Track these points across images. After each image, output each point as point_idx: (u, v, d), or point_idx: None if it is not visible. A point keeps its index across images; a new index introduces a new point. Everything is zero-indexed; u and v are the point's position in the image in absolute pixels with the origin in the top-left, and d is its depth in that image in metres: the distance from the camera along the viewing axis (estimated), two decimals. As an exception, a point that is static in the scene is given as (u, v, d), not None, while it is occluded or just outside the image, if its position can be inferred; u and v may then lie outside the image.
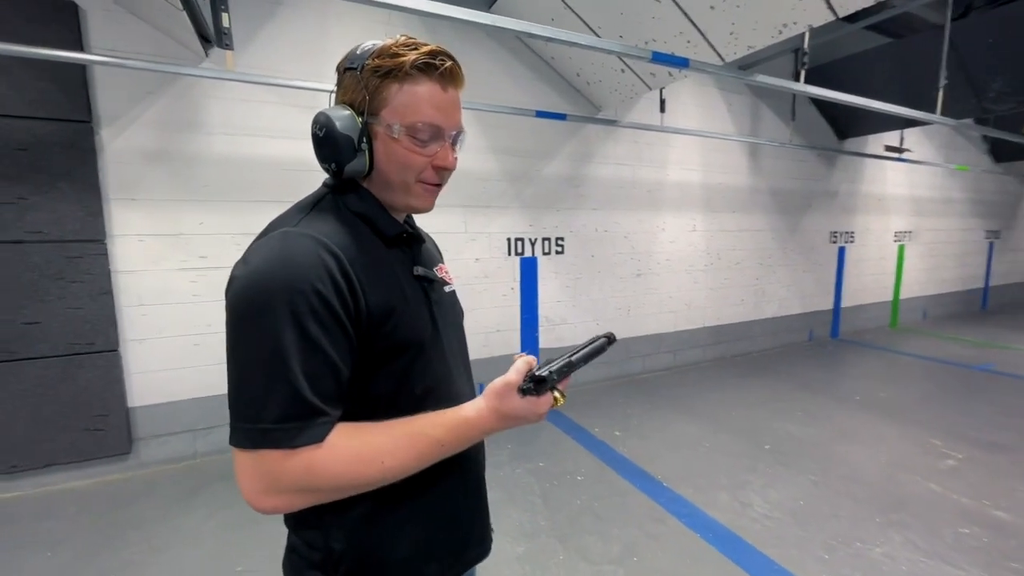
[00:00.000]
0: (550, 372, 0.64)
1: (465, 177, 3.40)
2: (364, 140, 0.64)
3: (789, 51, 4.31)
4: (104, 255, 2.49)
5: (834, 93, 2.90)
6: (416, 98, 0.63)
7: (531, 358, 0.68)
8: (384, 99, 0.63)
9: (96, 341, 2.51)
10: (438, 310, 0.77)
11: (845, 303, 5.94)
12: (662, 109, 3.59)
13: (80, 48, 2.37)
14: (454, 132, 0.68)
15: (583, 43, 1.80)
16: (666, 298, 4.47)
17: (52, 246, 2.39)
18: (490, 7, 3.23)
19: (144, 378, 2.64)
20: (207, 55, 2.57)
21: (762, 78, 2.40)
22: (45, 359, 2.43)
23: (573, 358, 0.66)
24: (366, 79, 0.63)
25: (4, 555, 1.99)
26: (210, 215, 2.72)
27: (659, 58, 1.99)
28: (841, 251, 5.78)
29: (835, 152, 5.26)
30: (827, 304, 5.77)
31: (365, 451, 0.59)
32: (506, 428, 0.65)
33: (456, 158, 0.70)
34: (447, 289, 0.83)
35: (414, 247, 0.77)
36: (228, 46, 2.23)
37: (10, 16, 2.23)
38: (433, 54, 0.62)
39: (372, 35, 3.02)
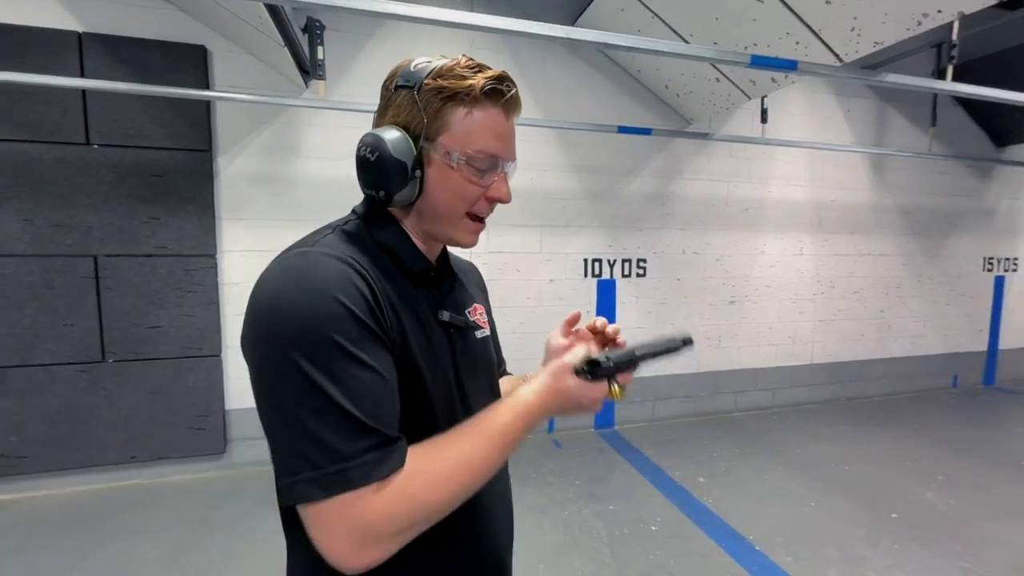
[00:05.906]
0: (607, 358, 0.60)
1: (542, 196, 3.32)
2: (418, 167, 0.59)
3: (928, 46, 3.68)
4: (214, 268, 2.77)
5: (999, 92, 2.36)
6: (480, 125, 0.58)
7: (591, 336, 0.69)
8: (445, 123, 0.57)
9: (203, 346, 2.78)
10: (463, 361, 0.67)
11: (1005, 343, 4.86)
12: (763, 119, 3.22)
13: (207, 86, 2.69)
14: (509, 163, 0.62)
15: (669, 51, 1.63)
16: (765, 329, 3.97)
17: (174, 260, 2.71)
18: (574, 22, 3.15)
19: (241, 382, 2.87)
20: (307, 86, 2.79)
21: (894, 78, 2.01)
22: (163, 360, 2.73)
23: (638, 352, 0.62)
24: (425, 100, 0.57)
25: (122, 540, 2.23)
26: (304, 232, 2.90)
27: (760, 62, 1.74)
28: (999, 280, 4.76)
29: (993, 163, 4.37)
30: (979, 344, 4.77)
31: (449, 462, 0.53)
32: (564, 410, 0.60)
33: (510, 190, 0.63)
34: (479, 335, 0.72)
35: (443, 286, 0.68)
36: (321, 76, 2.39)
37: (155, 60, 2.59)
38: (500, 79, 0.58)
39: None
